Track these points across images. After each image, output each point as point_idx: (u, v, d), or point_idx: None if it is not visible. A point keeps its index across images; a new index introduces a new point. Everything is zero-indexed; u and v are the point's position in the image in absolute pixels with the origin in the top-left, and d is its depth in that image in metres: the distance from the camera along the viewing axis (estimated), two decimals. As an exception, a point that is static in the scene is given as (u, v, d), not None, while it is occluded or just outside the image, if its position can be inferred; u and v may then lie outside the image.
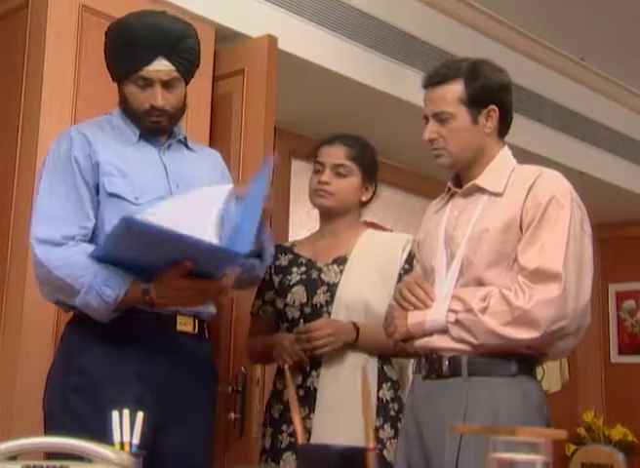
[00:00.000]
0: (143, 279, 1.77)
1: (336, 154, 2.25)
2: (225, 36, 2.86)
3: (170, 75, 1.88)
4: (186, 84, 1.96)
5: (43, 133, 2.28)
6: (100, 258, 1.76)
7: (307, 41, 3.20)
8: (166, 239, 1.66)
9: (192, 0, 2.76)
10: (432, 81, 1.91)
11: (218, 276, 1.78)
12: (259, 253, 2.02)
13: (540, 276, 1.74)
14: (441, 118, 1.88)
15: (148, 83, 1.88)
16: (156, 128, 1.93)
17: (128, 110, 1.93)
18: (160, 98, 1.88)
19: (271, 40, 2.67)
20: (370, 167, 2.28)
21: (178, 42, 1.89)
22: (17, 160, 2.36)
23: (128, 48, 1.86)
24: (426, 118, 1.92)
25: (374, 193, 2.31)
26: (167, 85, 1.89)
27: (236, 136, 2.64)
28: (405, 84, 3.55)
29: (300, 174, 3.97)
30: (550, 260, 1.74)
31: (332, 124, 2.79)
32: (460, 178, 1.96)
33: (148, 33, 1.85)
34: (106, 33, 1.93)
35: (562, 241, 1.76)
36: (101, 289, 1.74)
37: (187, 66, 1.93)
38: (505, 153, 1.94)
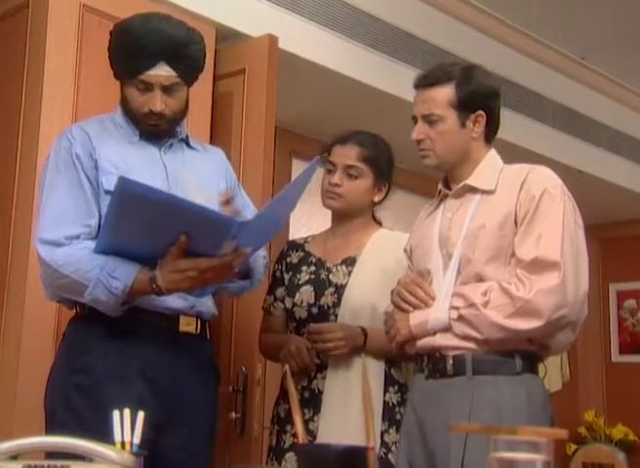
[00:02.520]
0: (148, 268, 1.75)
1: (347, 154, 2.22)
2: (226, 36, 2.86)
3: (170, 80, 1.87)
4: (189, 87, 1.95)
5: (43, 133, 2.27)
6: (104, 250, 1.75)
7: (308, 40, 3.20)
8: (161, 203, 1.65)
9: (192, 0, 2.77)
10: (424, 82, 1.94)
11: (216, 255, 1.74)
12: (247, 273, 2.01)
13: (538, 266, 1.75)
14: (430, 120, 1.90)
15: (148, 87, 1.86)
16: (154, 131, 1.93)
17: (127, 111, 1.93)
18: (159, 104, 1.87)
19: (272, 39, 2.67)
20: (383, 167, 2.25)
21: (180, 48, 1.87)
22: (17, 160, 2.36)
23: (129, 51, 1.85)
24: (415, 118, 1.94)
25: (387, 192, 2.29)
26: (167, 90, 1.88)
27: (237, 136, 2.63)
28: (405, 83, 3.52)
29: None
30: (548, 250, 1.76)
31: (332, 123, 2.79)
32: (449, 181, 1.98)
33: (151, 38, 1.84)
34: (111, 33, 1.93)
35: (557, 231, 1.78)
36: (109, 281, 1.73)
37: (189, 72, 1.92)
38: (493, 155, 1.97)
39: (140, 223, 1.69)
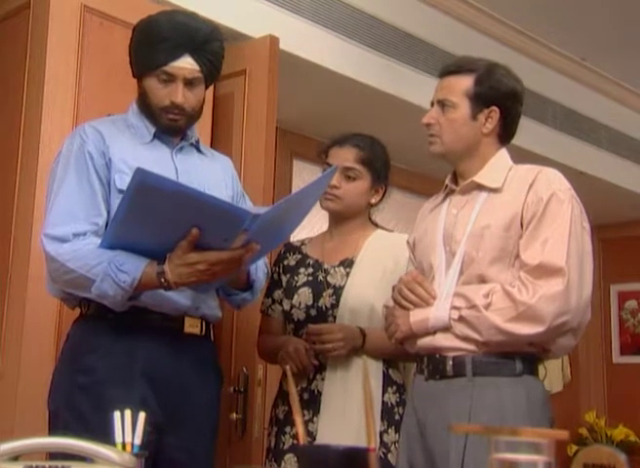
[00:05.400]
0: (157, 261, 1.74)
1: (345, 157, 2.22)
2: (227, 36, 2.84)
3: (193, 74, 1.89)
4: (206, 88, 1.97)
5: (45, 133, 2.28)
6: (111, 245, 1.75)
7: (308, 41, 3.20)
8: (175, 193, 1.64)
9: (193, 0, 2.77)
10: (447, 70, 1.95)
11: (227, 248, 1.73)
12: (249, 285, 2.01)
13: (543, 271, 1.75)
14: (443, 105, 1.91)
15: (171, 79, 1.87)
16: (172, 126, 1.92)
17: (146, 106, 1.92)
18: (181, 95, 1.88)
19: (273, 40, 2.67)
20: (380, 169, 2.25)
21: (204, 42, 1.89)
22: (18, 160, 2.36)
23: (154, 42, 1.87)
24: (432, 105, 1.95)
25: (384, 194, 2.29)
26: (189, 84, 1.89)
27: (238, 137, 2.63)
28: (405, 84, 3.55)
29: (302, 174, 3.97)
30: (553, 255, 1.75)
31: (333, 124, 2.79)
32: (457, 177, 1.97)
33: (177, 30, 1.86)
34: (134, 28, 1.94)
35: (564, 236, 1.77)
36: (117, 275, 1.71)
37: (211, 69, 1.93)
38: (503, 154, 1.96)
39: (153, 217, 1.68)
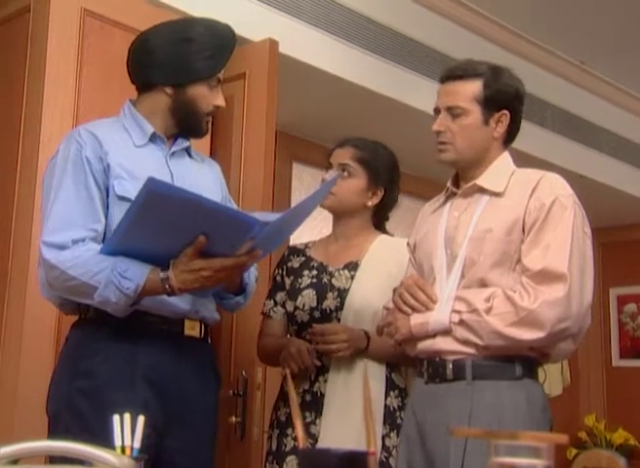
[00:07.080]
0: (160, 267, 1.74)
1: (343, 155, 2.25)
2: (227, 40, 2.86)
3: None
4: None
5: (44, 136, 2.28)
6: (113, 251, 1.73)
7: (308, 45, 3.21)
8: (186, 203, 1.64)
9: (192, 3, 2.77)
10: (450, 75, 1.92)
11: (232, 254, 1.72)
12: (242, 289, 2.01)
13: (544, 277, 1.74)
14: (454, 113, 1.89)
15: (217, 84, 1.94)
16: (206, 130, 1.99)
17: (190, 113, 1.92)
18: (222, 98, 1.95)
19: (272, 44, 2.67)
20: (378, 171, 2.25)
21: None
22: (19, 162, 2.36)
23: (222, 48, 1.92)
24: (437, 111, 1.92)
25: (383, 199, 2.27)
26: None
27: (237, 140, 2.63)
28: (406, 87, 3.56)
29: (302, 177, 3.98)
30: (555, 261, 1.75)
31: (333, 127, 2.79)
32: (458, 179, 1.97)
33: (231, 37, 1.95)
34: (187, 35, 1.91)
35: (566, 242, 1.77)
36: (120, 282, 1.70)
37: None
38: (505, 157, 1.96)
39: (159, 225, 1.68)
